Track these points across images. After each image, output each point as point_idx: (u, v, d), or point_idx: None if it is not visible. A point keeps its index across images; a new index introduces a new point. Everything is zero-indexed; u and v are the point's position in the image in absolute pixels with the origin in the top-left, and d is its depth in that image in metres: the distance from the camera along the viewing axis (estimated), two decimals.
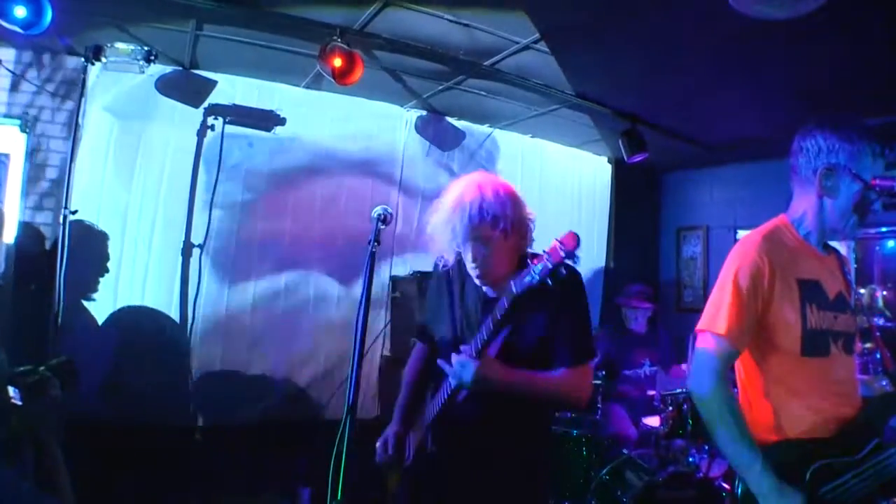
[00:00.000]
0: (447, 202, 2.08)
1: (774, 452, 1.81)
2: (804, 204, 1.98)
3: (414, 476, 2.26)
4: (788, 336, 1.86)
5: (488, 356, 1.96)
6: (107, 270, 3.98)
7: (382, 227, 2.02)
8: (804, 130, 1.95)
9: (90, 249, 3.93)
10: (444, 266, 2.31)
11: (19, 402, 1.75)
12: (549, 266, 1.72)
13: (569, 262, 1.72)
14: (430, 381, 2.34)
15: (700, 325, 1.92)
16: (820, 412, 1.84)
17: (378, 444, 2.31)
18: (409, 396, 2.40)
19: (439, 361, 2.05)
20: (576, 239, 1.70)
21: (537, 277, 1.75)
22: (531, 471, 2.12)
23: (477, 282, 2.12)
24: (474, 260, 2.04)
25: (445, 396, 2.09)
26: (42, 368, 1.88)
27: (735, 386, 2.05)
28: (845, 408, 1.87)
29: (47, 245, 3.71)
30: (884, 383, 3.01)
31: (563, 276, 1.76)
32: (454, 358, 1.98)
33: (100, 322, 3.96)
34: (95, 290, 3.95)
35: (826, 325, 1.88)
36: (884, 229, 4.61)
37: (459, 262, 2.22)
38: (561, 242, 1.70)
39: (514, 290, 1.83)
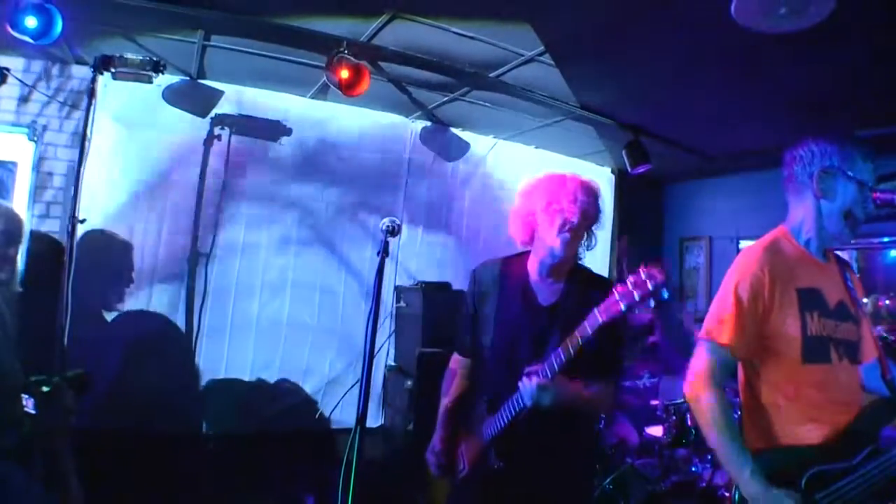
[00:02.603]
0: (549, 187, 2.29)
1: (771, 458, 1.85)
2: (802, 211, 2.04)
3: (477, 490, 2.25)
4: (789, 344, 1.90)
5: (563, 379, 1.99)
6: (131, 280, 4.03)
7: (390, 238, 2.03)
8: (794, 143, 2.06)
9: (104, 258, 3.97)
10: (479, 276, 2.35)
11: (33, 411, 1.77)
12: (637, 298, 1.79)
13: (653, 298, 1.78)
14: (474, 393, 2.36)
15: (702, 335, 1.97)
16: (818, 419, 1.87)
17: (428, 456, 2.35)
18: (455, 407, 2.43)
19: (520, 384, 2.01)
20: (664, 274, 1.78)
21: (623, 307, 1.81)
22: (586, 471, 2.36)
23: (537, 277, 2.20)
24: (564, 249, 2.13)
25: (512, 414, 2.08)
26: (56, 379, 1.90)
27: (736, 392, 2.11)
28: (844, 415, 1.89)
29: (55, 253, 3.72)
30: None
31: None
32: (529, 381, 1.97)
33: (106, 330, 3.97)
34: (120, 301, 4.01)
35: (827, 333, 1.92)
36: (886, 239, 4.62)
37: (494, 269, 2.29)
38: (649, 274, 1.79)
39: (599, 318, 1.87)
